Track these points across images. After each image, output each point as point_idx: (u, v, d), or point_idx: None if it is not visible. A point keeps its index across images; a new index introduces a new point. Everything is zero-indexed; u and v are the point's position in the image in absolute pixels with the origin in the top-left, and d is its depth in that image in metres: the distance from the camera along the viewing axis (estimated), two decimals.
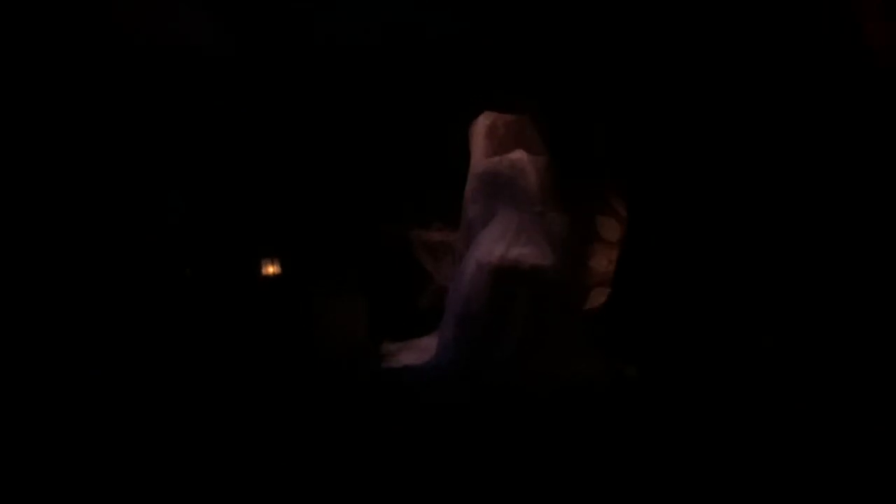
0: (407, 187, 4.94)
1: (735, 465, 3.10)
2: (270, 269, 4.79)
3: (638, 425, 3.42)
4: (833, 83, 3.65)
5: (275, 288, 4.64)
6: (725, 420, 3.34)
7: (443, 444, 3.63)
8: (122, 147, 4.46)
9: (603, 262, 4.08)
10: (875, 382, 3.40)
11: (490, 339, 3.97)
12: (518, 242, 4.02)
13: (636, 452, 3.32)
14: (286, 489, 3.23)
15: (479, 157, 4.35)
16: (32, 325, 3.99)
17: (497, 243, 4.04)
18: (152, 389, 3.92)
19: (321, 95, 4.76)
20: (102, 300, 4.27)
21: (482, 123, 4.35)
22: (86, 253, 4.33)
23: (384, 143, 4.88)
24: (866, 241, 3.61)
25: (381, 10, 4.69)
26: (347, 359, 4.39)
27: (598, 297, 4.06)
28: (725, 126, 3.88)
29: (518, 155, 4.23)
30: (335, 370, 4.24)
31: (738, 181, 3.84)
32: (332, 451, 3.57)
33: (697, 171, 3.92)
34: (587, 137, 4.35)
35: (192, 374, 4.10)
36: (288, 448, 3.57)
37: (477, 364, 3.98)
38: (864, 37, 3.51)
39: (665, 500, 3.03)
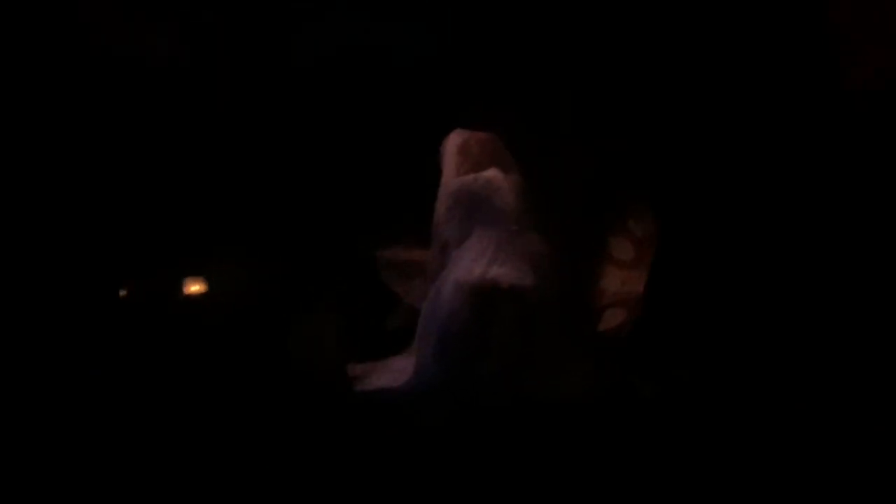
0: (376, 205, 4.88)
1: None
2: (195, 287, 4.67)
3: (636, 446, 3.38)
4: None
5: (248, 307, 4.49)
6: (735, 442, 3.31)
7: (423, 468, 3.55)
8: (81, 159, 4.31)
9: (615, 282, 4.02)
10: None
11: (472, 358, 3.90)
12: (496, 262, 3.96)
13: (632, 476, 3.28)
14: None
15: (452, 174, 4.29)
16: None
17: (475, 263, 3.97)
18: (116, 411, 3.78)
19: (289, 112, 4.66)
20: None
21: (454, 141, 4.30)
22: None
23: (356, 161, 4.81)
24: None
25: (349, 29, 4.64)
26: (322, 381, 4.27)
27: (612, 319, 4.00)
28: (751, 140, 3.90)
29: (492, 173, 4.18)
30: (309, 392, 4.11)
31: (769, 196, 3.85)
32: (304, 474, 3.46)
33: (727, 188, 3.92)
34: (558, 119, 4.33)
35: (160, 395, 3.95)
36: (261, 470, 3.46)
37: (459, 384, 3.89)
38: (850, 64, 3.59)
39: None
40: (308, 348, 4.47)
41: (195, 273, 4.71)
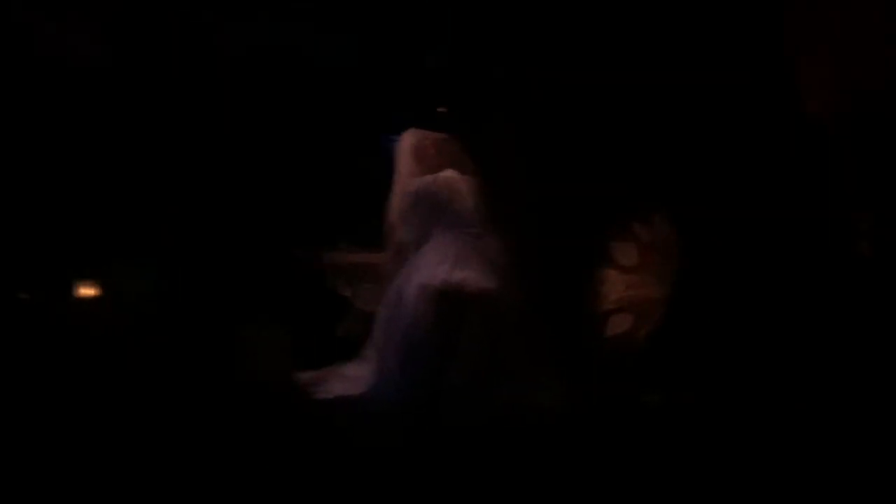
0: (314, 210, 4.73)
1: None
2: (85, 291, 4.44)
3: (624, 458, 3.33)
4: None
5: (194, 320, 4.27)
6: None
7: (391, 480, 3.42)
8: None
9: (618, 287, 3.98)
10: None
11: (438, 367, 3.80)
12: (459, 265, 3.88)
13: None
14: None
15: (408, 176, 4.19)
16: None
17: (439, 266, 3.88)
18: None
19: (220, 117, 4.47)
20: None
21: (409, 142, 4.20)
22: None
23: (291, 166, 4.65)
24: None
25: (280, 30, 4.51)
26: (272, 392, 4.09)
27: (619, 324, 3.95)
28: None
29: (452, 175, 4.10)
30: (259, 404, 3.93)
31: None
32: (262, 490, 3.29)
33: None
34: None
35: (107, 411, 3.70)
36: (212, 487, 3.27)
37: (427, 392, 3.79)
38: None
39: None
40: (253, 357, 4.29)
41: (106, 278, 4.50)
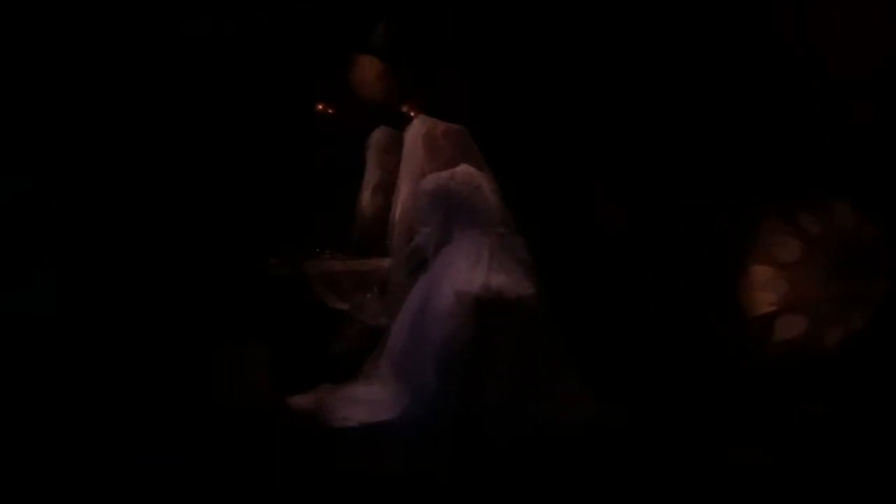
0: (286, 215, 4.20)
1: None
2: None
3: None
4: None
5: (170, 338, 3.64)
6: None
7: None
8: None
9: (780, 286, 3.56)
10: None
11: (480, 380, 3.37)
12: (495, 269, 3.47)
13: None
14: None
15: (418, 169, 3.74)
16: None
17: (473, 271, 3.45)
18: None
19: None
20: None
21: (418, 130, 3.74)
22: None
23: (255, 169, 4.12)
24: None
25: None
26: (251, 414, 3.54)
27: (791, 328, 3.51)
28: None
29: (469, 170, 3.68)
30: (238, 427, 3.42)
31: None
32: None
33: None
34: None
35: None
36: None
37: (468, 411, 3.35)
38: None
39: None
40: (234, 381, 3.71)
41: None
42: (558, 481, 3.09)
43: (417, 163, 3.74)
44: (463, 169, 3.68)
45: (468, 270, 3.46)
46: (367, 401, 3.57)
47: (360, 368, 3.82)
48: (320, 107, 4.46)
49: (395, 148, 4.21)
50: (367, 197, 4.22)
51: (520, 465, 3.18)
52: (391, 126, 4.23)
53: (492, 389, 3.38)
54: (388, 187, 4.27)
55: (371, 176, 4.21)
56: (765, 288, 3.43)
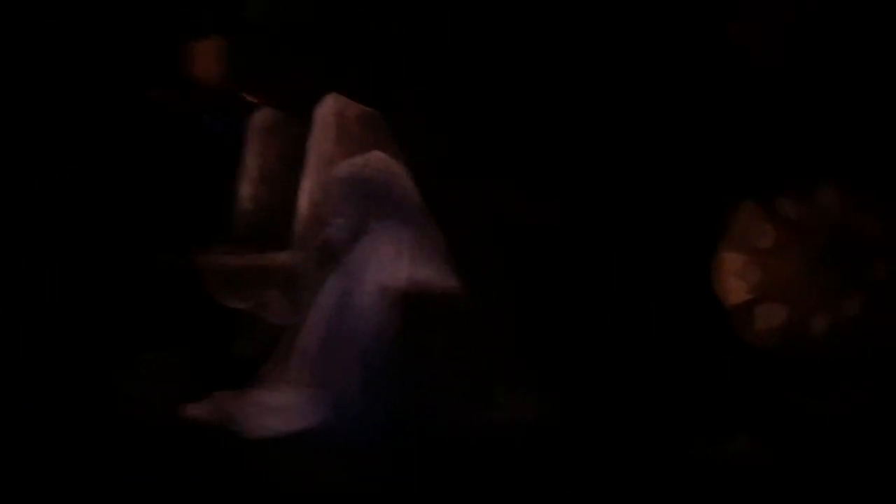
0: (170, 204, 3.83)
1: None
2: None
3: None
4: None
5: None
6: None
7: None
8: None
9: (756, 272, 3.36)
10: None
11: (410, 384, 3.14)
12: (420, 262, 3.24)
13: None
14: None
15: (328, 154, 3.46)
16: None
17: (397, 264, 3.22)
18: None
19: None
20: None
21: (329, 109, 3.46)
22: None
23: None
24: None
25: None
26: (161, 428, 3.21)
27: (771, 317, 3.30)
28: None
29: (383, 157, 3.44)
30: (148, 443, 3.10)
31: None
32: None
33: None
34: None
35: None
36: None
37: (399, 418, 3.11)
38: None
39: None
40: (143, 389, 3.35)
41: None
42: (503, 490, 2.89)
43: (327, 147, 3.46)
44: (377, 155, 3.42)
45: (391, 263, 3.22)
46: (280, 408, 3.27)
47: (264, 373, 3.50)
48: (152, 93, 4.08)
49: (280, 131, 3.92)
50: (248, 187, 3.89)
51: (458, 474, 2.96)
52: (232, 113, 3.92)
53: (423, 392, 3.15)
54: (273, 176, 3.97)
55: (252, 163, 3.87)
56: (739, 276, 3.32)
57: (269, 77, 4.03)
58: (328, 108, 3.46)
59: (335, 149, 3.45)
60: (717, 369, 3.19)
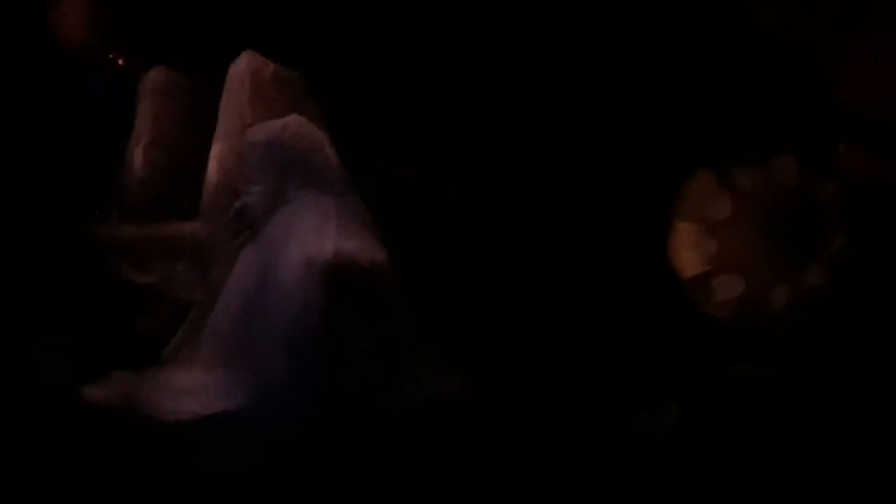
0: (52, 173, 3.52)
1: None
2: None
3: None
4: None
5: None
6: None
7: None
8: None
9: (712, 243, 3.19)
10: None
11: (336, 362, 2.95)
12: (344, 233, 3.05)
13: None
14: None
15: (240, 116, 3.22)
16: None
17: (321, 235, 3.01)
18: None
19: None
20: None
21: (245, 67, 3.22)
22: None
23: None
24: None
25: None
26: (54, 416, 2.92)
27: (729, 288, 3.14)
28: None
29: (303, 121, 3.22)
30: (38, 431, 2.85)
31: None
32: None
33: None
34: None
35: None
36: None
37: (326, 398, 2.92)
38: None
39: None
40: (30, 371, 3.04)
41: None
42: (437, 470, 2.75)
43: (241, 109, 3.21)
44: (296, 119, 3.20)
45: (315, 234, 3.00)
46: (192, 390, 3.02)
47: (170, 352, 3.24)
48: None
49: (175, 93, 3.65)
50: (139, 154, 3.60)
51: (390, 456, 2.80)
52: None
53: (350, 370, 2.95)
54: (167, 141, 3.70)
55: (144, 127, 3.59)
56: (694, 247, 3.24)
57: (137, 33, 3.78)
58: (243, 67, 3.21)
59: (250, 111, 3.21)
60: (667, 341, 3.12)
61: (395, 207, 3.42)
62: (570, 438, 2.95)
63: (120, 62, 3.78)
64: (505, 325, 3.19)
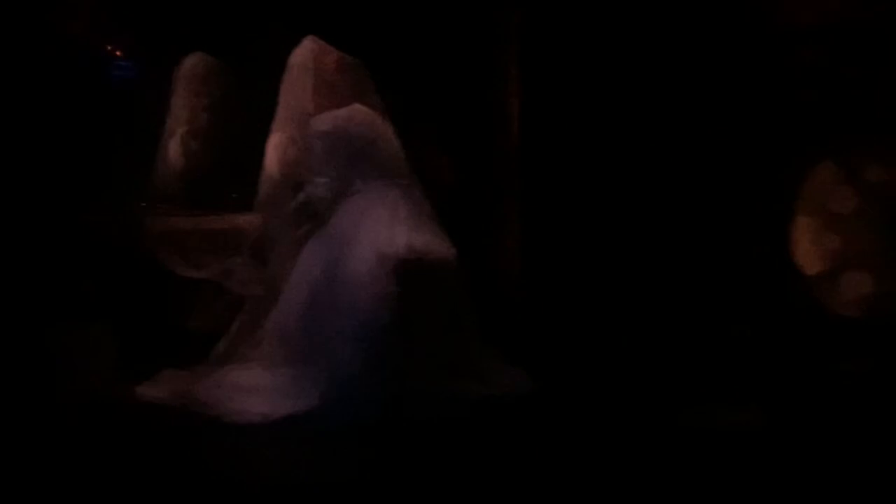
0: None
1: None
2: None
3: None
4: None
5: None
6: None
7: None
8: None
9: (835, 240, 3.08)
10: None
11: (407, 354, 2.84)
12: (414, 227, 2.95)
13: None
14: None
15: (302, 105, 3.09)
16: None
17: (393, 229, 2.90)
18: None
19: None
20: None
21: (306, 57, 3.09)
22: None
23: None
24: None
25: None
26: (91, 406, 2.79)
27: (858, 285, 3.01)
28: None
29: (367, 111, 3.11)
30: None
31: None
32: None
33: None
34: None
35: None
36: None
37: (398, 396, 2.81)
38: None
39: None
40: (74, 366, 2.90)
41: None
42: (503, 466, 2.62)
43: (302, 97, 3.08)
44: (361, 109, 3.08)
45: (386, 228, 2.89)
46: (257, 389, 2.89)
47: (224, 349, 3.11)
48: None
49: (214, 80, 3.52)
50: (176, 144, 3.48)
51: (457, 453, 2.67)
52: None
53: (420, 368, 2.84)
54: (204, 130, 3.58)
55: (180, 116, 3.48)
56: (815, 242, 3.14)
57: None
58: (306, 53, 3.09)
59: (313, 99, 3.09)
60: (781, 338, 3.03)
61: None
62: (646, 434, 2.84)
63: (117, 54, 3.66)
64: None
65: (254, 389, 2.88)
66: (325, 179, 3.01)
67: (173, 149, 3.55)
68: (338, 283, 2.87)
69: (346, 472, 2.53)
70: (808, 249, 3.17)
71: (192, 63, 3.55)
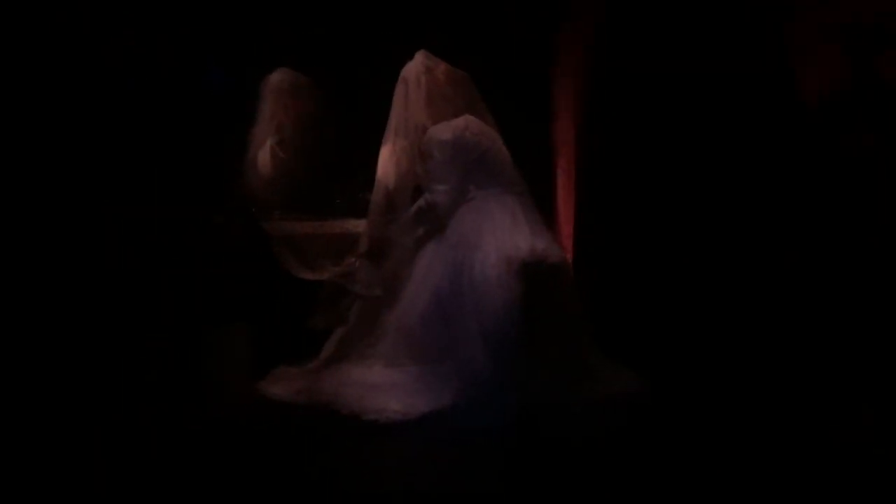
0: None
1: None
2: None
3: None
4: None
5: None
6: None
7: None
8: None
9: None
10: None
11: (533, 354, 2.97)
12: (534, 232, 3.09)
13: None
14: None
15: (416, 116, 3.22)
16: None
17: (515, 234, 3.04)
18: None
19: None
20: None
21: (419, 70, 3.22)
22: None
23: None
24: None
25: None
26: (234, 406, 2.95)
27: None
28: None
29: (478, 121, 3.25)
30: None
31: None
32: None
33: None
34: None
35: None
36: None
37: (525, 391, 2.93)
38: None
39: None
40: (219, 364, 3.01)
41: None
42: (623, 465, 2.71)
43: (415, 109, 3.21)
44: (473, 119, 3.22)
45: (509, 233, 3.02)
46: (386, 386, 3.00)
47: (338, 348, 3.23)
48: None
49: (300, 93, 3.66)
50: (264, 154, 3.61)
51: (580, 453, 2.77)
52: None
53: (543, 369, 2.97)
54: (293, 142, 3.70)
55: (267, 127, 3.60)
56: None
57: None
58: (418, 66, 3.21)
59: (426, 111, 3.21)
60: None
61: None
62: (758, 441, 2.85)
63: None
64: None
65: (384, 387, 2.99)
66: (444, 186, 3.13)
67: (262, 160, 3.67)
68: (464, 286, 3.00)
69: (489, 483, 2.56)
70: None
71: (278, 78, 3.68)
